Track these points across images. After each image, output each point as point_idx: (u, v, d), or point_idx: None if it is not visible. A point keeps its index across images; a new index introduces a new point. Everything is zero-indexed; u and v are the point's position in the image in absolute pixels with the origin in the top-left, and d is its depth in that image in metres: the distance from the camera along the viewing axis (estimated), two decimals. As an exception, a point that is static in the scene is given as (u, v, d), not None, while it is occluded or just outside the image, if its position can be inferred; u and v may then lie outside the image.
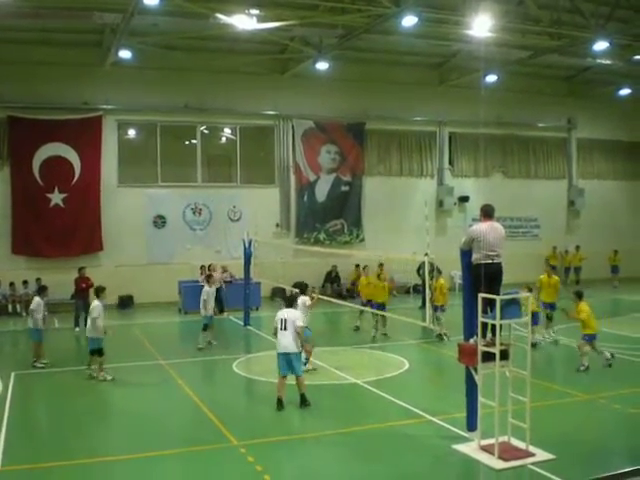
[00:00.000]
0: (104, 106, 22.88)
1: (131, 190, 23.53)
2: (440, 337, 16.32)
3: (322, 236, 25.79)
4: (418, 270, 18.18)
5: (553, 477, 7.83)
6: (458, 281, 22.32)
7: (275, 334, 10.95)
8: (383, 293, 16.72)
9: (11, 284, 21.64)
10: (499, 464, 8.24)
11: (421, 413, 10.41)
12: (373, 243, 25.40)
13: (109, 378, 12.77)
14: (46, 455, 8.90)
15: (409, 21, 18.71)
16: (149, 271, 23.35)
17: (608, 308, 22.19)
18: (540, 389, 10.81)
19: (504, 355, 8.61)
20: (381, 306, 16.63)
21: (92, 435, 9.88)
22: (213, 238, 24.55)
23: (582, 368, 12.94)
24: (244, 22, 18.51)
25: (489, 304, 8.58)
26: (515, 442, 8.73)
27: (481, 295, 8.56)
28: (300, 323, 10.82)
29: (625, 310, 21.99)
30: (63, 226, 22.38)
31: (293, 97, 24.94)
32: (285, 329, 10.73)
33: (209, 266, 20.88)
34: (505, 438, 8.74)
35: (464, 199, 27.56)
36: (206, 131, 25.13)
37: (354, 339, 17.04)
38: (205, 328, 15.96)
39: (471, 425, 9.12)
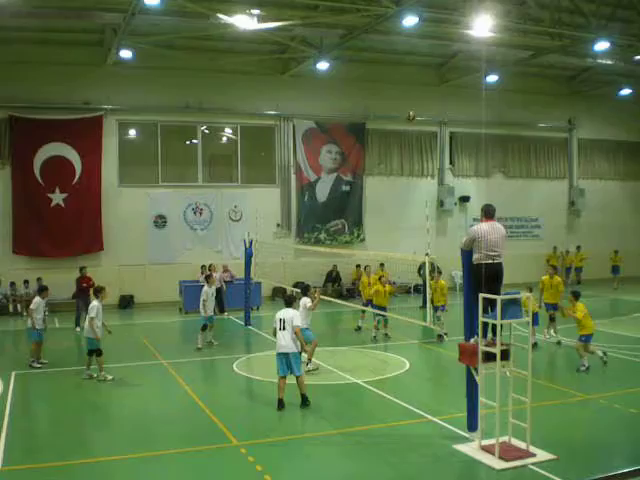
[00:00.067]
0: (105, 106, 22.88)
1: (132, 190, 23.53)
2: (440, 337, 16.32)
3: (323, 236, 25.79)
4: (419, 270, 18.20)
5: (554, 477, 7.82)
6: (459, 281, 22.33)
7: (274, 334, 10.95)
8: (385, 299, 16.46)
9: (12, 284, 21.69)
10: (500, 464, 8.24)
11: (422, 413, 10.40)
12: (374, 243, 25.41)
13: (109, 378, 12.78)
14: (46, 455, 8.90)
15: (410, 21, 18.75)
16: (150, 271, 23.38)
17: (609, 308, 22.22)
18: (541, 389, 10.83)
19: (505, 355, 8.60)
20: (382, 307, 16.59)
21: (92, 435, 9.90)
22: (214, 238, 24.56)
23: (582, 368, 12.93)
24: (245, 22, 18.53)
25: (490, 304, 8.58)
26: (516, 442, 8.73)
27: (482, 295, 8.56)
28: (297, 322, 10.78)
29: (626, 310, 21.96)
30: (64, 226, 22.38)
31: (294, 97, 24.94)
32: (284, 329, 10.72)
33: (209, 266, 20.87)
34: (506, 438, 8.74)
35: (465, 199, 27.60)
36: (207, 131, 25.12)
37: (355, 339, 17.05)
38: (203, 328, 15.93)
39: (472, 425, 9.12)
